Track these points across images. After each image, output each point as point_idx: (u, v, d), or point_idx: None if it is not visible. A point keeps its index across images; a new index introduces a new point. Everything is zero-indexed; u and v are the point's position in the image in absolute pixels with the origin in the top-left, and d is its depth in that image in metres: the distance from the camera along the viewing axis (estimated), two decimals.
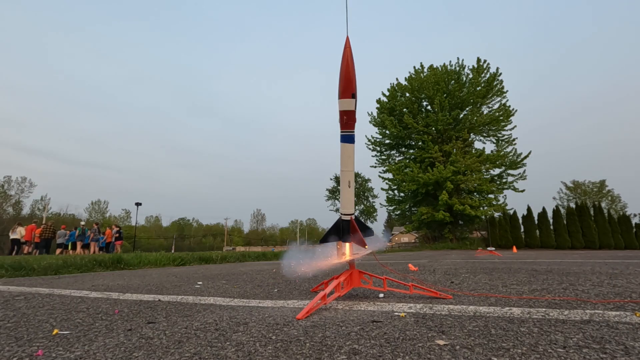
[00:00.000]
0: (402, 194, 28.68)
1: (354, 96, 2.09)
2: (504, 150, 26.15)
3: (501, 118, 25.70)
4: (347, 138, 2.18)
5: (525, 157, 25.28)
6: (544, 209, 25.25)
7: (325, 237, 2.23)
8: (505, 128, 26.27)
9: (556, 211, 25.56)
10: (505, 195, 26.00)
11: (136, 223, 32.88)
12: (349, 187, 2.17)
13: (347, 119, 2.14)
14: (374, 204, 46.03)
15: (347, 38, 2.08)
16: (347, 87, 2.08)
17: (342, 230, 2.17)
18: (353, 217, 2.20)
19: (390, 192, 28.99)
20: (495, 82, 26.42)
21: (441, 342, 1.23)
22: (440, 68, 27.94)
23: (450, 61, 28.50)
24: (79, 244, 14.84)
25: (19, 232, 13.88)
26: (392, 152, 30.06)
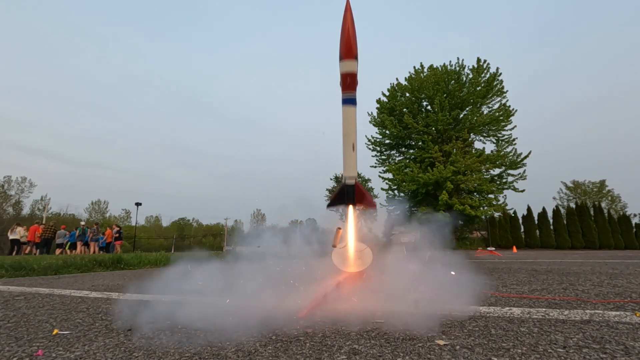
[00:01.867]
0: (402, 194, 28.66)
1: (356, 57, 2.06)
2: (504, 150, 26.15)
3: (501, 118, 25.70)
4: (349, 101, 2.14)
5: (525, 157, 25.29)
6: (544, 209, 25.27)
7: (332, 202, 2.21)
8: (505, 128, 26.27)
9: (556, 211, 25.58)
10: (505, 195, 26.00)
11: (136, 223, 32.88)
12: (353, 150, 2.14)
13: (350, 81, 2.08)
14: None
15: (348, 1, 2.04)
16: (349, 49, 2.01)
17: (347, 195, 2.14)
18: (357, 180, 2.19)
19: (390, 192, 28.98)
20: (495, 82, 26.42)
21: (441, 342, 1.23)
22: (440, 68, 27.93)
23: (450, 61, 28.46)
24: (79, 244, 14.85)
25: (18, 233, 13.88)
26: (392, 152, 30.03)
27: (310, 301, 1.86)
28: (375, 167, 29.49)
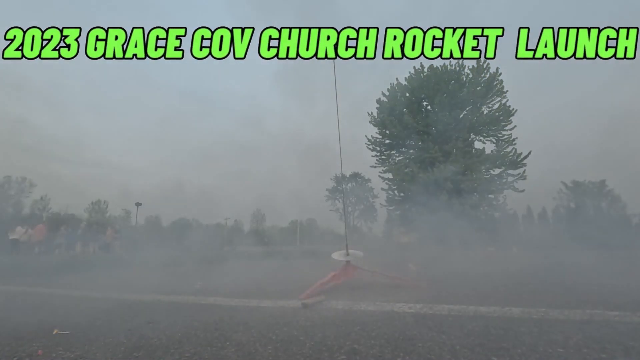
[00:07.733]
0: (402, 194, 28.68)
1: None
2: (504, 150, 26.18)
3: (501, 118, 25.72)
4: None
5: (525, 157, 25.29)
6: (544, 209, 25.28)
7: None
8: (506, 128, 26.30)
9: (556, 211, 25.57)
10: (505, 196, 26.02)
11: (136, 223, 32.82)
12: None
13: None
14: (374, 204, 45.92)
15: None
16: None
17: None
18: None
19: (390, 192, 29.00)
20: (495, 82, 26.47)
21: (441, 342, 1.23)
22: (440, 68, 27.98)
23: (450, 61, 28.53)
24: (79, 245, 14.85)
25: (17, 233, 13.87)
26: (392, 152, 30.06)
27: (311, 286, 1.95)
28: (375, 167, 29.51)
